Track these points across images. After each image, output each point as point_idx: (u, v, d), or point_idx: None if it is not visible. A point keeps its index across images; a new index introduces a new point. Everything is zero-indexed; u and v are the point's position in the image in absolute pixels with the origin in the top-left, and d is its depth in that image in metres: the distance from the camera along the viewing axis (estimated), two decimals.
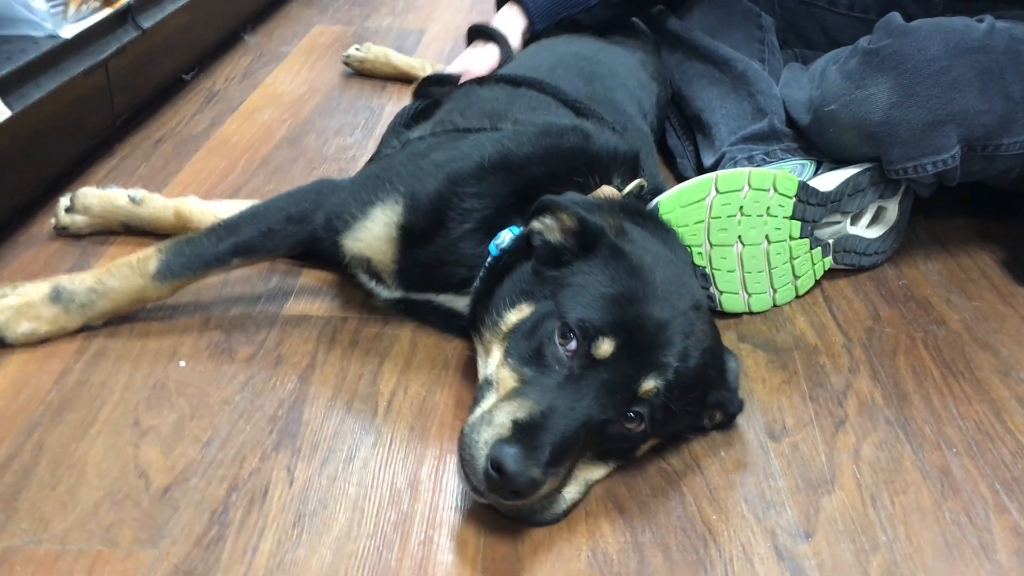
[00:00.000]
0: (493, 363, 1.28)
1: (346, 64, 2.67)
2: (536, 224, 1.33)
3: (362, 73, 2.65)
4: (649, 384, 1.20)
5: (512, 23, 2.09)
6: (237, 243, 1.48)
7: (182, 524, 1.16)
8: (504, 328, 1.30)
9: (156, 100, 2.38)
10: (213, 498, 1.21)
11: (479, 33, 2.11)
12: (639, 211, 1.47)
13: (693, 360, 1.23)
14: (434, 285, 1.49)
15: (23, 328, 1.43)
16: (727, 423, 1.37)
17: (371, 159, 1.75)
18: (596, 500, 1.25)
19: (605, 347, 1.19)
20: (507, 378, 1.24)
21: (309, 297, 1.64)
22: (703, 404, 1.30)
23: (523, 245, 1.36)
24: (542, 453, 1.12)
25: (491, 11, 2.23)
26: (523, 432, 1.13)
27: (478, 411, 1.21)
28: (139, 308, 1.50)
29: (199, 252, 1.47)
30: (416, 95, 1.96)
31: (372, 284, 1.55)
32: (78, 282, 1.46)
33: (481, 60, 2.04)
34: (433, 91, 1.90)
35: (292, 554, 1.13)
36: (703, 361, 1.25)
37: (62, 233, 1.76)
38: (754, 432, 1.38)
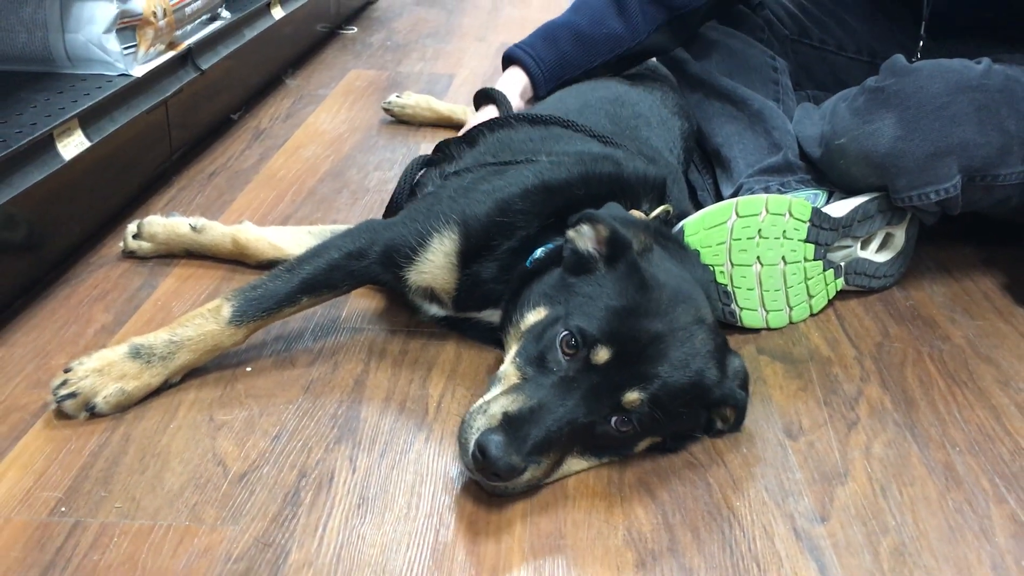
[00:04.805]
0: (507, 359, 1.43)
1: (387, 111, 2.80)
2: (571, 233, 1.47)
3: (402, 120, 2.79)
4: (632, 396, 1.33)
5: (513, 85, 2.17)
6: (303, 280, 1.55)
7: (259, 505, 1.29)
8: (522, 328, 1.45)
9: (208, 137, 2.55)
10: (285, 483, 1.34)
11: (484, 97, 2.17)
12: (664, 234, 1.61)
13: (690, 365, 1.36)
14: (480, 303, 1.63)
15: (111, 389, 1.43)
16: (738, 422, 1.46)
17: (389, 206, 1.88)
18: (630, 487, 1.37)
19: (602, 354, 1.33)
20: (511, 374, 1.38)
21: (360, 313, 1.78)
22: (704, 404, 1.41)
23: (556, 255, 1.50)
24: (525, 444, 1.26)
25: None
26: (511, 423, 1.27)
27: (479, 401, 1.35)
28: (215, 356, 1.54)
29: (269, 293, 1.53)
30: (434, 150, 2.01)
31: (428, 306, 1.69)
32: (153, 337, 1.49)
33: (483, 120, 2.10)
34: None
35: (358, 530, 1.26)
36: (700, 365, 1.37)
37: (129, 257, 1.92)
38: (773, 432, 1.50)
